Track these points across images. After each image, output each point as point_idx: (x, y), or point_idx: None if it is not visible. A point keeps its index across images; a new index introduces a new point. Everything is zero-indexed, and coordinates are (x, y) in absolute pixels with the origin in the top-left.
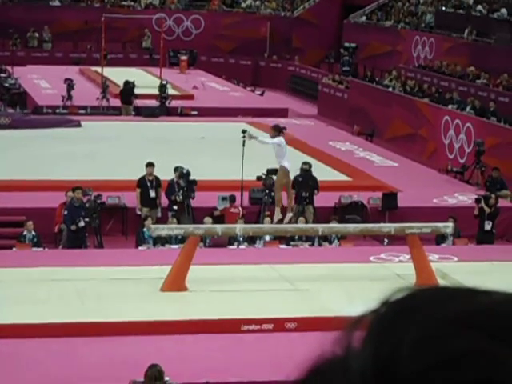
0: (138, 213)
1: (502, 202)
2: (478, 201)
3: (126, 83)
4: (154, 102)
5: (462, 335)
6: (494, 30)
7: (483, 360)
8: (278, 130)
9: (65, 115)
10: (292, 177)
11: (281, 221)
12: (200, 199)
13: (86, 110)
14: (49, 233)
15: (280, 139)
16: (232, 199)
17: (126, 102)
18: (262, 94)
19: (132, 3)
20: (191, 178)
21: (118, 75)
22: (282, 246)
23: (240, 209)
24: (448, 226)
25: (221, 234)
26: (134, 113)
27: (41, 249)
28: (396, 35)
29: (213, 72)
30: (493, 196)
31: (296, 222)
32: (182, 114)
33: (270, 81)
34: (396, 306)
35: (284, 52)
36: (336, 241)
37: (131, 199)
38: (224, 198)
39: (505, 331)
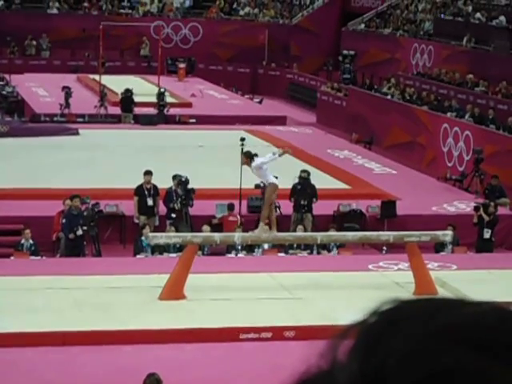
0: (136, 221)
1: (501, 210)
2: (476, 209)
3: (127, 91)
4: (152, 110)
5: (449, 349)
6: (493, 37)
7: (470, 375)
8: (249, 157)
9: (63, 123)
10: (291, 185)
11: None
12: (198, 207)
13: (84, 118)
14: (47, 241)
15: (256, 164)
16: (230, 207)
17: (127, 110)
18: (260, 102)
19: (130, 11)
20: (189, 186)
21: (116, 83)
22: (281, 255)
23: (238, 217)
24: (447, 234)
25: (219, 242)
26: (133, 121)
27: (38, 257)
28: (395, 43)
29: (211, 80)
30: (492, 204)
31: (295, 231)
32: (180, 121)
33: (269, 89)
34: (383, 319)
35: (282, 60)
36: (335, 249)
37: (129, 207)
38: (222, 207)
39: (492, 344)
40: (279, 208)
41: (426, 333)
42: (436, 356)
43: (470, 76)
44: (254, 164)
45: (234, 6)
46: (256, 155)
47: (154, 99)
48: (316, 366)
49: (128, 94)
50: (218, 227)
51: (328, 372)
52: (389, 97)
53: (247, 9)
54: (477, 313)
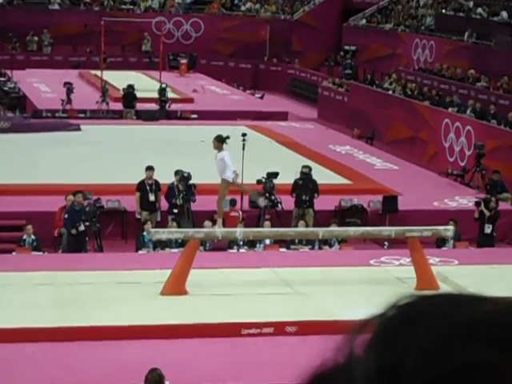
0: (138, 217)
1: (503, 205)
2: (478, 204)
3: (129, 87)
4: (153, 106)
5: (467, 347)
6: (494, 32)
7: (488, 373)
8: (221, 141)
9: (64, 119)
10: (292, 180)
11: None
12: (200, 203)
13: (86, 113)
14: (49, 237)
15: (223, 154)
16: (232, 203)
17: (129, 105)
18: (261, 98)
19: (131, 7)
20: (191, 181)
21: (117, 79)
22: (282, 250)
23: (240, 212)
24: (448, 229)
25: (221, 237)
26: (135, 117)
27: (41, 253)
28: (396, 38)
29: (212, 75)
30: (493, 199)
31: (296, 226)
32: (182, 117)
33: (270, 84)
34: (401, 313)
35: (284, 55)
36: (336, 244)
37: (131, 203)
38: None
39: (509, 343)
40: (281, 203)
41: (443, 330)
42: (454, 354)
43: (472, 71)
44: (220, 154)
45: (236, 1)
46: (228, 137)
47: (155, 95)
48: (332, 360)
49: (130, 89)
50: (212, 218)
51: (345, 366)
52: (390, 92)
53: (249, 4)
54: (494, 310)
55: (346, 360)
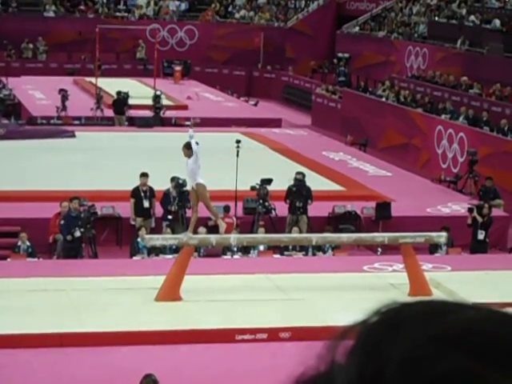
0: (132, 223)
1: (496, 212)
2: (470, 210)
3: (119, 93)
4: (148, 113)
5: (447, 355)
6: (487, 40)
7: (469, 381)
8: (190, 148)
9: (59, 126)
10: (286, 186)
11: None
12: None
13: (81, 120)
14: (43, 243)
15: (193, 159)
16: (226, 209)
17: (119, 112)
18: (255, 105)
19: (126, 14)
20: (186, 188)
21: (112, 86)
22: (276, 256)
23: (234, 219)
24: (441, 236)
25: (215, 243)
26: (127, 123)
27: (35, 259)
28: (389, 45)
29: (207, 82)
30: (486, 205)
31: (290, 232)
32: (176, 124)
33: (264, 91)
34: (383, 321)
35: (277, 62)
36: (330, 250)
37: (125, 209)
38: (217, 208)
39: (491, 351)
40: (274, 210)
41: (425, 338)
42: (436, 363)
43: (464, 78)
44: (192, 159)
45: (230, 9)
46: (197, 143)
47: (150, 102)
48: (314, 368)
49: (120, 96)
50: (213, 229)
51: (326, 374)
52: (383, 99)
53: (243, 12)
54: (476, 317)
55: (328, 368)
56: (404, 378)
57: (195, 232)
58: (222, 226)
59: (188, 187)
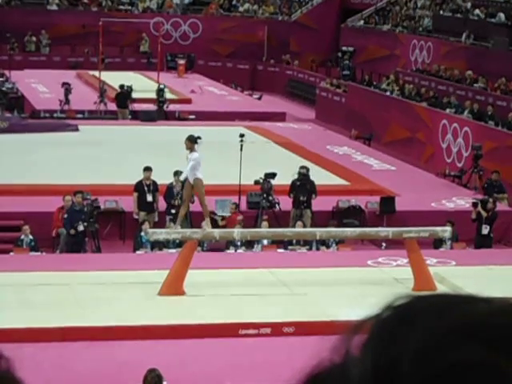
0: (136, 217)
1: (500, 206)
2: (475, 205)
3: (122, 87)
4: (151, 106)
5: (462, 346)
6: (492, 34)
7: (482, 372)
8: (193, 141)
9: (62, 119)
10: (290, 181)
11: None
12: (198, 204)
13: (84, 114)
14: (46, 237)
15: (195, 156)
16: (236, 206)
17: (122, 106)
18: (259, 98)
19: (129, 7)
20: None
21: (115, 79)
22: (280, 250)
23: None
24: (446, 230)
25: (218, 238)
26: (130, 117)
27: (38, 253)
28: (394, 39)
29: (210, 76)
30: (490, 200)
31: (294, 226)
32: (180, 118)
33: (268, 85)
34: (397, 314)
35: (281, 56)
36: (334, 245)
37: (129, 203)
38: (221, 202)
39: (505, 342)
40: (278, 204)
41: (438, 330)
42: (450, 353)
43: (469, 72)
44: (195, 155)
45: (234, 2)
46: (199, 138)
47: (153, 95)
48: (328, 360)
49: (123, 90)
50: (216, 223)
51: (341, 366)
52: (388, 93)
53: (246, 5)
54: (489, 309)
55: (342, 360)
56: (419, 367)
57: (198, 226)
58: (209, 225)
59: (182, 178)
